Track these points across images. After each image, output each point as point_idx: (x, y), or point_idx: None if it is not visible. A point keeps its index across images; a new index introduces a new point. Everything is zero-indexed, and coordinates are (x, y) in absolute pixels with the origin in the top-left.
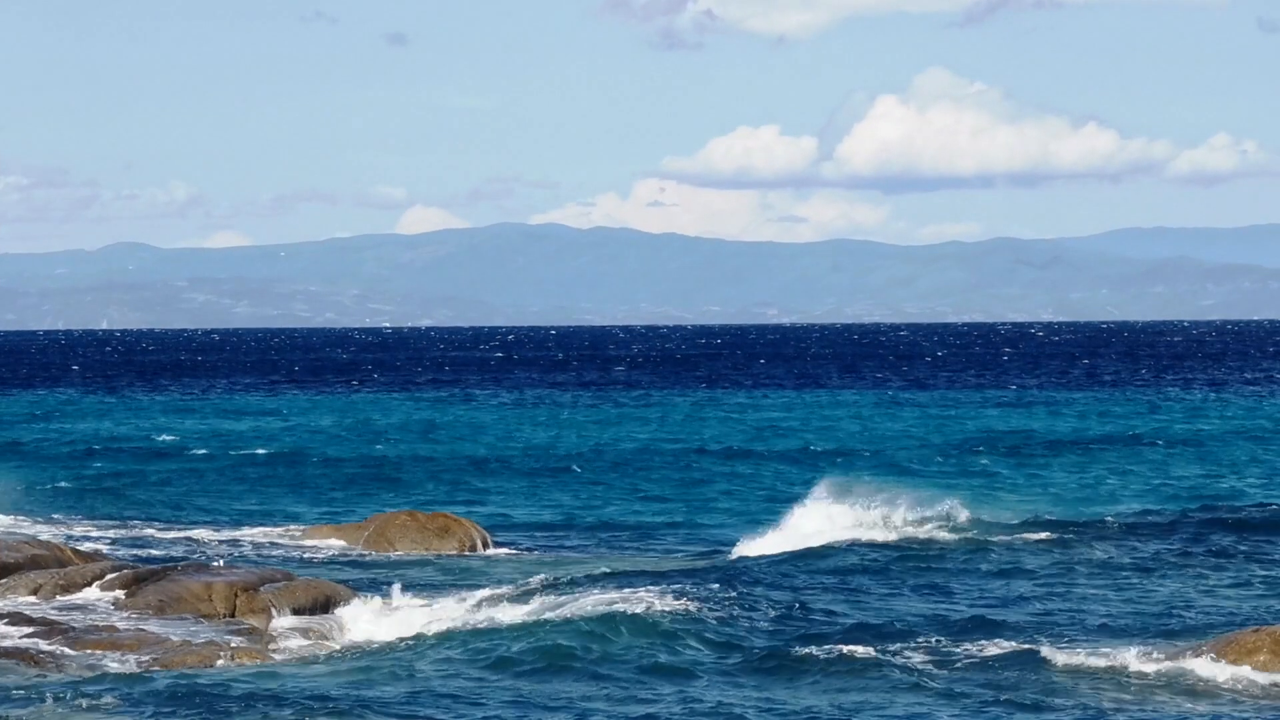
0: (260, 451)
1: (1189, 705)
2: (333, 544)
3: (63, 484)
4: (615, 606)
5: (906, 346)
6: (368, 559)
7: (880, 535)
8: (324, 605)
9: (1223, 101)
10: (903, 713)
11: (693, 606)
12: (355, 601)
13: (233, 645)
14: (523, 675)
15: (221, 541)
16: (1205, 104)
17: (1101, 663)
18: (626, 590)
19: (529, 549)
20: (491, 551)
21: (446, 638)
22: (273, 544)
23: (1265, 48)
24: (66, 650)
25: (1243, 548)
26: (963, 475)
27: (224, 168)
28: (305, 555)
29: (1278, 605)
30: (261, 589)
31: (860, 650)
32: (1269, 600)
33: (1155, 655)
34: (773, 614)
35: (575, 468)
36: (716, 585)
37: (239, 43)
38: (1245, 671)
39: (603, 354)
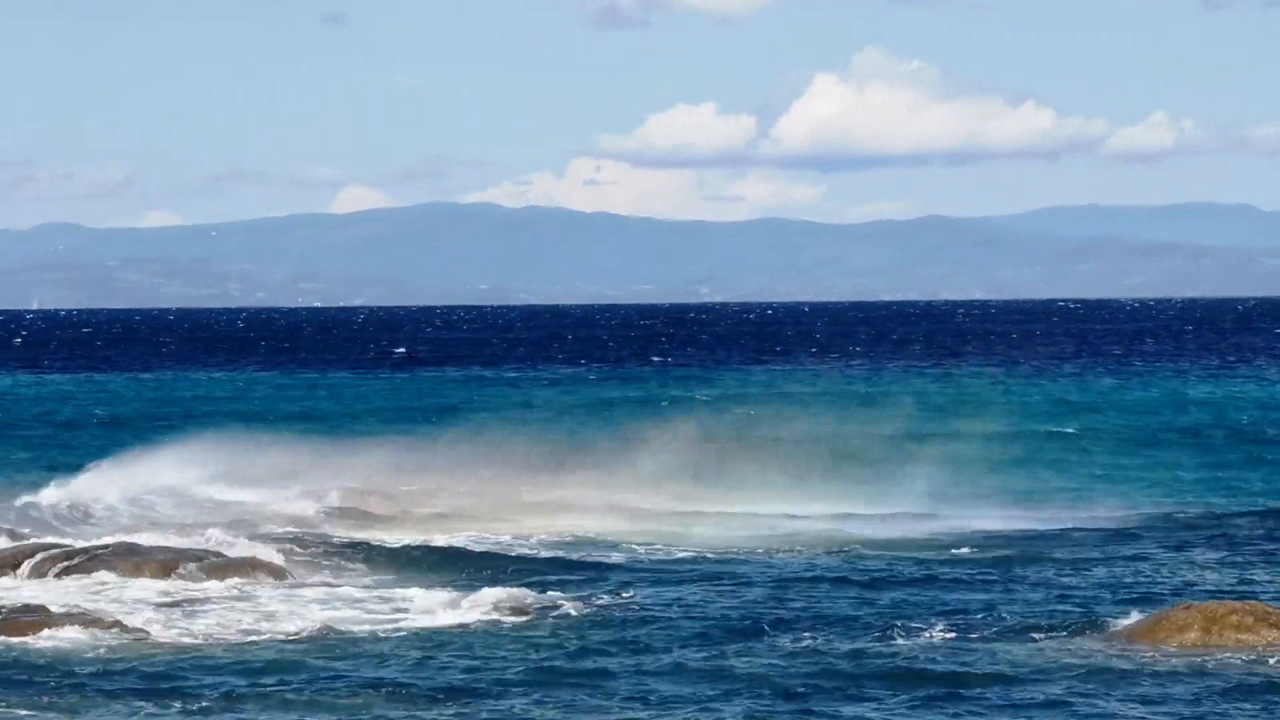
0: None
1: (1120, 684)
2: None
3: None
4: None
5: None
6: None
7: None
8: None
9: (1164, 79)
10: None
11: None
12: (288, 578)
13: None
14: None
15: None
16: (1146, 82)
17: (1031, 644)
18: None
19: None
20: None
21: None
22: None
23: (1209, 25)
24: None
25: None
26: None
27: (160, 147)
28: None
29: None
30: (189, 565)
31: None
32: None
33: (1086, 633)
34: None
35: None
36: None
37: (178, 21)
38: (1177, 649)
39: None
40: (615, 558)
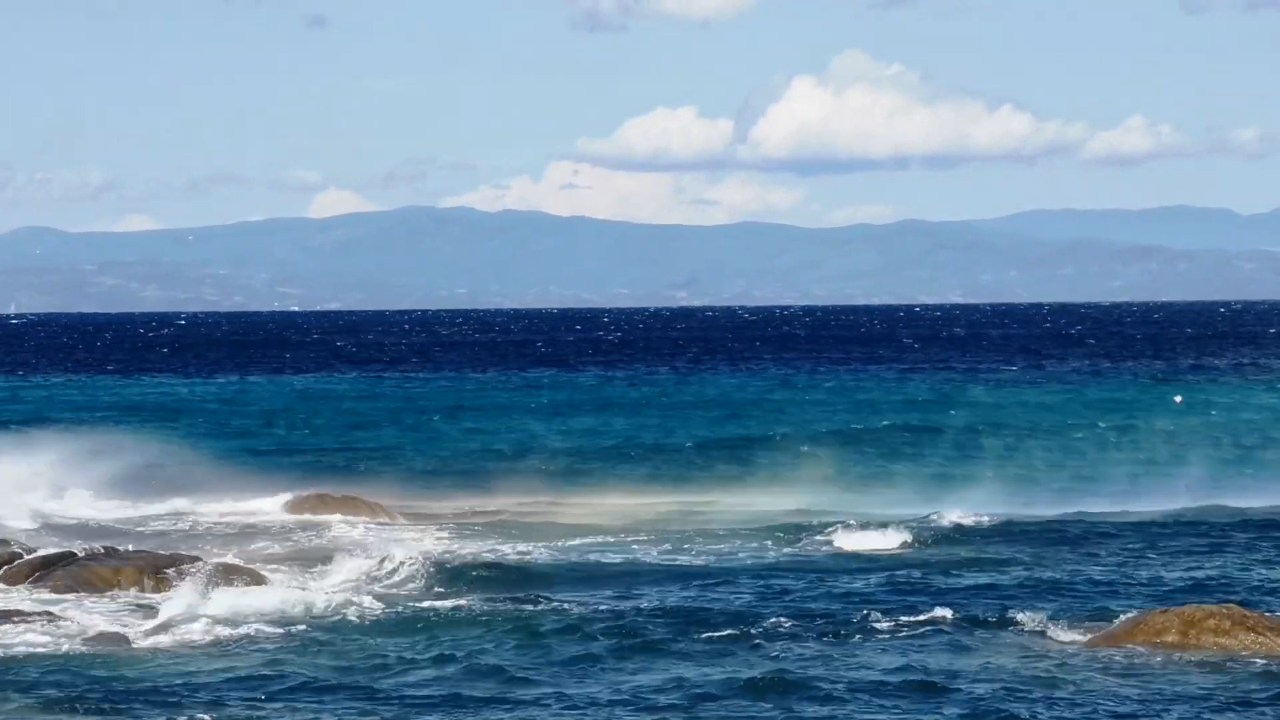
0: None
1: (1099, 687)
2: None
3: None
4: None
5: None
6: None
7: None
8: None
9: (1143, 83)
10: None
11: None
12: (268, 584)
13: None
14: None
15: None
16: (1125, 86)
17: (1006, 644)
18: None
19: None
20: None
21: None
22: None
23: (1187, 28)
24: None
25: None
26: None
27: (138, 151)
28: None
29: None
30: (167, 571)
31: None
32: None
33: (1064, 635)
34: None
35: None
36: None
37: (157, 25)
38: (1154, 652)
39: None
40: None
